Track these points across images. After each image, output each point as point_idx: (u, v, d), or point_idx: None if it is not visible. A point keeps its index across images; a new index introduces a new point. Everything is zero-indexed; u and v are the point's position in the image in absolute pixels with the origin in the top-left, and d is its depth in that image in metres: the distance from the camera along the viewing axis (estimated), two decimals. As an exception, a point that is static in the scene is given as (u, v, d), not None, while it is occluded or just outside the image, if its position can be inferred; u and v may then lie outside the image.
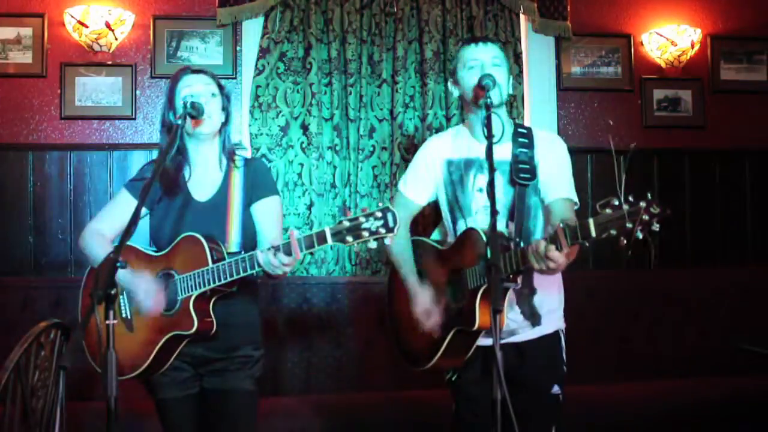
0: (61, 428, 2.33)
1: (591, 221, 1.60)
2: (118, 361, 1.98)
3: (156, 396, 2.11)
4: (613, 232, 1.55)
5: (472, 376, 2.13)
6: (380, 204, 1.68)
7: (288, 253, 1.78)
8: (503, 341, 2.01)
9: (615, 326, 3.55)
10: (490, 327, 1.95)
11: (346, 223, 1.68)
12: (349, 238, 1.67)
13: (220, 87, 2.15)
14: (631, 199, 1.53)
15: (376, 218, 1.65)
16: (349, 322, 3.41)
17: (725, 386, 3.23)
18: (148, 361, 1.96)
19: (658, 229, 1.50)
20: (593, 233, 1.60)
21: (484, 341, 2.05)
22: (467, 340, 2.03)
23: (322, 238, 1.72)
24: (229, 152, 2.15)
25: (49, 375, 2.29)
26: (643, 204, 1.50)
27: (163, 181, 2.08)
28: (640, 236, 1.51)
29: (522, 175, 2.05)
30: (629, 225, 1.51)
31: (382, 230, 1.65)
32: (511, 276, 1.88)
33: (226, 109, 2.14)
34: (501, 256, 1.82)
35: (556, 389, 2.11)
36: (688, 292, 3.64)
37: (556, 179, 2.08)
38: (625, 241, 1.53)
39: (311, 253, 1.76)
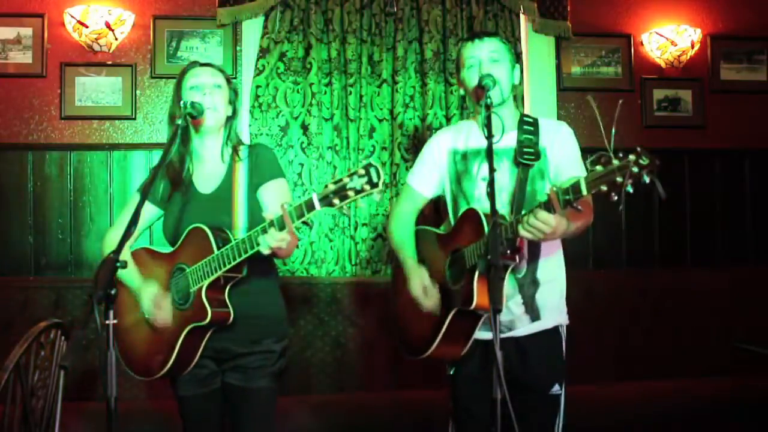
0: (61, 428, 2.33)
1: (581, 179, 1.62)
2: (145, 361, 2.04)
3: (177, 392, 2.13)
4: (604, 187, 1.56)
5: (470, 372, 2.12)
6: (363, 161, 1.68)
7: (282, 227, 1.78)
8: (502, 335, 2.00)
9: (615, 326, 3.55)
10: (489, 317, 1.97)
11: (332, 187, 1.68)
12: (336, 201, 1.67)
13: (228, 80, 2.16)
14: (620, 153, 1.54)
15: (359, 176, 1.65)
16: (349, 322, 3.41)
17: (725, 386, 3.23)
18: (173, 358, 1.98)
19: (648, 181, 1.50)
20: (584, 190, 1.61)
21: (483, 335, 2.04)
22: (466, 323, 2.02)
23: (310, 205, 1.72)
24: (233, 146, 2.15)
25: (49, 375, 2.29)
26: (632, 157, 1.51)
27: (169, 174, 2.11)
28: (631, 190, 1.51)
29: (526, 156, 2.06)
30: (619, 179, 1.52)
31: (367, 187, 1.65)
32: (508, 252, 1.87)
33: (233, 103, 2.15)
34: (497, 234, 1.82)
35: (556, 388, 2.10)
36: (687, 292, 3.64)
37: (566, 161, 2.10)
38: (615, 197, 1.54)
39: (306, 223, 1.76)
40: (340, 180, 1.67)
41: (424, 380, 2.90)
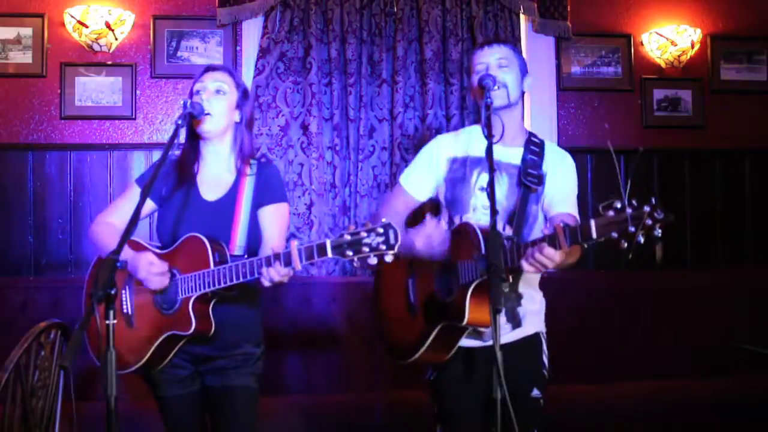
0: (61, 428, 2.33)
1: (592, 222, 1.59)
2: (119, 356, 2.01)
3: (157, 393, 2.11)
4: (615, 234, 1.54)
5: (452, 377, 2.11)
6: (383, 220, 1.67)
7: (287, 263, 1.76)
8: (486, 344, 2.01)
9: (615, 326, 3.55)
10: (478, 328, 1.96)
11: (348, 237, 1.66)
12: (349, 253, 1.66)
13: (237, 84, 2.11)
14: (634, 202, 1.52)
15: (377, 234, 1.64)
16: (349, 322, 3.41)
17: (725, 386, 3.23)
18: (145, 358, 1.97)
19: (659, 235, 1.49)
20: (594, 235, 1.59)
21: (465, 343, 2.04)
22: (452, 336, 2.02)
23: (322, 249, 1.70)
24: (244, 156, 2.11)
25: (49, 375, 2.29)
26: (647, 209, 1.49)
27: (178, 169, 2.08)
28: (642, 240, 1.50)
29: (530, 179, 2.04)
30: (632, 229, 1.50)
31: (383, 247, 1.64)
32: (505, 273, 1.87)
33: (240, 108, 2.10)
34: (497, 234, 1.80)
35: (536, 393, 2.09)
36: (687, 292, 3.63)
37: (562, 194, 2.08)
38: (626, 245, 1.52)
39: (312, 264, 1.76)
40: (357, 233, 1.66)
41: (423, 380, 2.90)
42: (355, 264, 1.69)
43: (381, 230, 1.64)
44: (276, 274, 1.78)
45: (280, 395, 3.20)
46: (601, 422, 2.99)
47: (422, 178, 2.22)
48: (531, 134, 2.16)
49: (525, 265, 1.77)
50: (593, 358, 3.42)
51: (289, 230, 2.62)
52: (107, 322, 1.59)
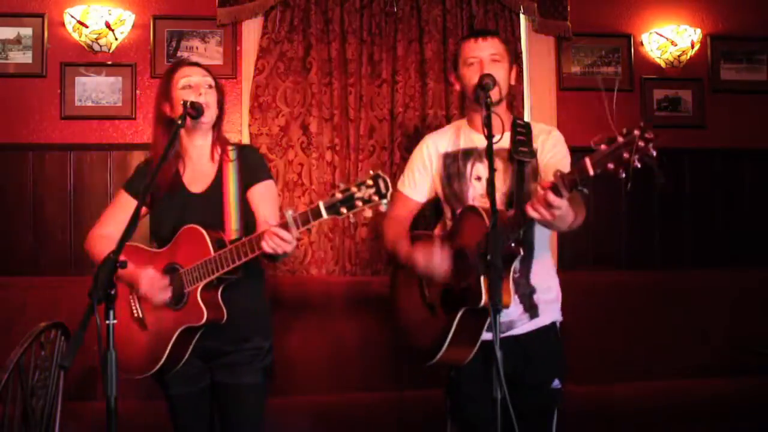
0: (61, 428, 2.33)
1: (587, 160, 1.60)
2: (136, 360, 2.02)
3: (167, 392, 2.13)
4: (611, 165, 1.55)
5: (472, 372, 2.12)
6: (371, 171, 1.68)
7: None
8: (503, 335, 2.01)
9: (615, 326, 3.55)
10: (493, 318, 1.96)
11: (339, 195, 1.68)
12: (344, 210, 1.68)
13: (215, 80, 2.18)
14: (624, 130, 1.53)
15: (368, 186, 1.66)
16: (349, 322, 3.41)
17: (725, 386, 3.22)
18: (164, 358, 1.98)
19: (655, 155, 1.49)
20: (590, 171, 1.60)
21: (485, 336, 2.04)
22: (473, 325, 2.01)
23: (316, 213, 1.72)
24: (222, 146, 2.17)
25: (49, 375, 2.29)
26: (637, 132, 1.51)
27: (160, 178, 2.08)
28: (638, 165, 1.50)
29: (522, 154, 2.07)
30: (626, 155, 1.51)
31: (375, 197, 1.65)
32: (513, 245, 1.86)
33: (220, 103, 2.17)
34: (501, 226, 1.79)
35: (556, 383, 2.12)
36: (688, 292, 3.63)
37: (556, 164, 2.09)
38: (623, 174, 1.52)
39: (308, 230, 1.77)
40: (348, 189, 1.67)
41: (423, 380, 2.89)
42: (351, 220, 1.71)
43: (371, 182, 1.66)
44: (277, 241, 1.79)
45: (280, 395, 3.19)
46: (601, 422, 2.99)
47: (420, 179, 2.25)
48: (515, 118, 2.19)
49: (530, 210, 1.75)
50: (594, 358, 3.42)
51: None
52: (107, 322, 1.59)
